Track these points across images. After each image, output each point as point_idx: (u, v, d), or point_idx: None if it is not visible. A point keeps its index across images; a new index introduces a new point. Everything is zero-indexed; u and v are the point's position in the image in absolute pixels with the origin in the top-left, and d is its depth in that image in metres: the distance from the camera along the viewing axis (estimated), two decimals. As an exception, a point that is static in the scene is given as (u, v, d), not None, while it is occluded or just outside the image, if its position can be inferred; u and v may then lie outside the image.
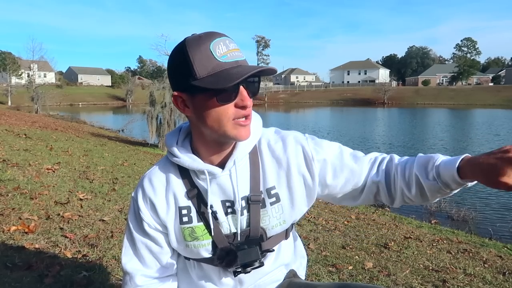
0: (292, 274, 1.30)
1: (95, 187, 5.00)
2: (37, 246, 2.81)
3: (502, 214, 7.88)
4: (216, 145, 1.06)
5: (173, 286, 1.22)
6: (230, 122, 0.98)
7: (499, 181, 0.83)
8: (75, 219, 3.51)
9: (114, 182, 5.58)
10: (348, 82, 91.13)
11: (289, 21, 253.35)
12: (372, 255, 3.51)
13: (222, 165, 1.08)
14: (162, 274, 1.18)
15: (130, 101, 63.89)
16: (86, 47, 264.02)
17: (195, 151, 1.10)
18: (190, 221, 1.11)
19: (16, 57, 54.78)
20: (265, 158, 1.13)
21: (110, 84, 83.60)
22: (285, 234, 1.21)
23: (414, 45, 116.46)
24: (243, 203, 1.10)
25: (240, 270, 1.11)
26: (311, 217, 4.85)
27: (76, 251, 2.81)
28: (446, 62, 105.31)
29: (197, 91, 0.96)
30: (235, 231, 1.12)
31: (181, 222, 1.11)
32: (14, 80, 50.62)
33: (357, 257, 3.40)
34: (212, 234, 1.10)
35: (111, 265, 2.66)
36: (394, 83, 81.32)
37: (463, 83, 77.81)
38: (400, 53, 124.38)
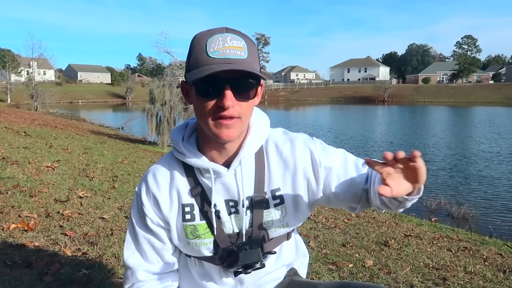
0: (292, 272, 1.29)
1: (95, 185, 4.99)
2: (36, 244, 2.81)
3: (502, 212, 7.87)
4: (218, 143, 1.04)
5: (174, 283, 1.22)
6: (211, 119, 0.97)
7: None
8: (75, 217, 3.51)
9: (114, 180, 5.58)
10: (348, 80, 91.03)
11: (289, 19, 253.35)
12: (372, 253, 3.51)
13: (227, 164, 1.07)
14: (163, 270, 1.18)
15: (129, 98, 63.79)
16: (86, 45, 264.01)
17: (200, 149, 1.08)
18: (192, 219, 1.10)
19: (15, 54, 54.66)
20: (272, 159, 1.12)
21: (110, 82, 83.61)
22: (287, 235, 1.20)
23: (414, 43, 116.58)
24: (247, 204, 1.09)
25: (241, 270, 1.11)
26: (311, 215, 4.85)
27: (76, 249, 2.81)
28: (447, 59, 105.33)
29: (190, 83, 0.97)
30: (238, 231, 1.11)
31: (184, 220, 1.11)
32: (13, 77, 50.53)
33: (357, 255, 3.40)
34: (215, 233, 1.10)
35: (111, 263, 2.66)
36: (394, 81, 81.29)
37: (464, 81, 77.81)
38: (400, 51, 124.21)
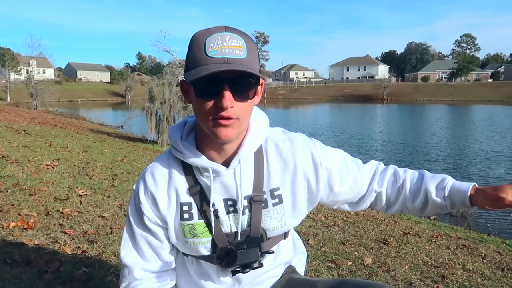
0: (290, 270, 1.29)
1: (94, 183, 4.99)
2: (36, 242, 2.81)
3: (501, 210, 7.88)
4: (218, 142, 1.03)
5: (172, 281, 1.22)
6: (210, 119, 0.96)
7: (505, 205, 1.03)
8: (75, 215, 3.51)
9: (113, 178, 5.58)
10: (347, 78, 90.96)
11: (289, 17, 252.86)
12: (371, 251, 3.52)
13: (226, 163, 1.07)
14: (161, 269, 1.18)
15: (129, 97, 63.69)
16: (85, 43, 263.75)
17: (199, 147, 1.08)
18: (191, 217, 1.10)
19: (15, 53, 54.51)
20: (271, 158, 1.11)
21: (109, 80, 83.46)
22: (284, 234, 1.21)
23: (413, 41, 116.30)
24: (245, 203, 1.09)
25: (238, 270, 1.11)
26: (311, 213, 4.85)
27: (76, 247, 2.81)
28: (446, 58, 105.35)
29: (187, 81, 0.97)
30: (236, 230, 1.11)
31: (182, 219, 1.10)
32: (13, 76, 50.37)
33: (356, 253, 3.40)
34: (213, 232, 1.09)
35: (110, 261, 2.66)
36: (393, 79, 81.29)
37: (462, 79, 77.77)
38: (400, 49, 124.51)
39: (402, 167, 1.24)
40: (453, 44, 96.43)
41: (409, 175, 1.18)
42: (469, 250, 3.88)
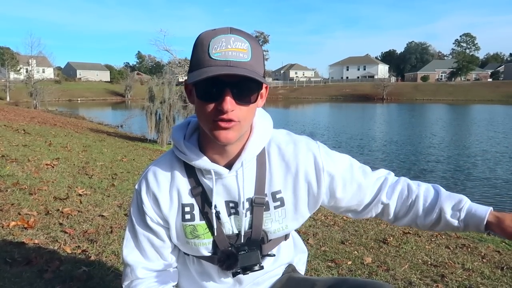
0: (291, 269, 1.30)
1: (94, 183, 5.00)
2: (36, 241, 2.81)
3: (500, 209, 7.87)
4: (219, 144, 1.02)
5: (174, 280, 1.22)
6: (211, 121, 0.95)
7: None
8: (75, 215, 3.51)
9: (113, 178, 5.58)
10: (347, 77, 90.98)
11: (288, 17, 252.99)
12: (371, 250, 3.52)
13: (228, 165, 1.06)
14: (163, 268, 1.18)
15: (129, 96, 63.67)
16: (85, 43, 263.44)
17: (202, 149, 1.07)
18: (192, 219, 1.10)
19: (14, 52, 54.62)
20: (273, 161, 1.11)
21: (109, 80, 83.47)
22: (285, 235, 1.21)
23: (413, 41, 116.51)
24: (247, 205, 1.08)
25: (239, 271, 1.11)
26: (310, 212, 4.85)
27: (76, 247, 2.81)
28: (445, 57, 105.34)
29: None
30: (237, 232, 1.11)
31: (183, 219, 1.10)
32: (12, 75, 50.44)
33: (356, 252, 3.41)
34: (215, 234, 1.09)
35: (110, 260, 2.66)
36: (393, 79, 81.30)
37: (462, 79, 77.75)
38: (399, 49, 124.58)
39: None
40: (453, 43, 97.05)
41: (422, 191, 1.15)
42: (469, 249, 3.88)
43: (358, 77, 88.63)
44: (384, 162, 12.83)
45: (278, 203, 1.11)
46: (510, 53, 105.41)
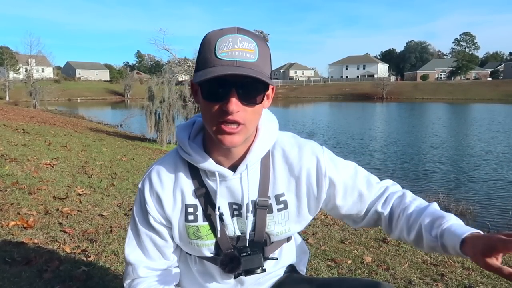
0: (292, 269, 1.30)
1: (94, 182, 4.99)
2: (36, 241, 2.81)
3: (500, 208, 7.90)
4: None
5: (175, 280, 1.22)
6: (215, 123, 0.94)
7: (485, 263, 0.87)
8: (74, 214, 3.51)
9: (112, 177, 5.58)
10: (347, 77, 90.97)
11: (288, 16, 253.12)
12: (371, 249, 3.52)
13: (233, 167, 1.06)
14: (164, 267, 1.18)
15: (128, 96, 63.64)
16: (84, 42, 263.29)
17: (207, 150, 1.06)
18: (195, 220, 1.09)
19: (13, 52, 54.47)
20: (277, 164, 1.10)
21: (108, 79, 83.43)
22: (287, 238, 1.21)
23: (412, 40, 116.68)
24: (250, 207, 1.08)
25: (241, 273, 1.11)
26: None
27: (75, 246, 2.81)
28: (445, 56, 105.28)
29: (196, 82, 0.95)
30: (240, 234, 1.11)
31: (187, 220, 1.10)
32: (12, 75, 50.36)
33: (356, 251, 3.41)
34: (218, 235, 1.09)
35: (110, 260, 2.66)
36: (392, 78, 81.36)
37: (462, 78, 77.76)
38: (399, 48, 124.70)
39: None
40: (453, 42, 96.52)
41: (414, 204, 1.09)
42: (469, 248, 3.88)
43: (358, 76, 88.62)
44: (385, 162, 12.78)
45: (282, 205, 1.10)
46: (510, 52, 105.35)
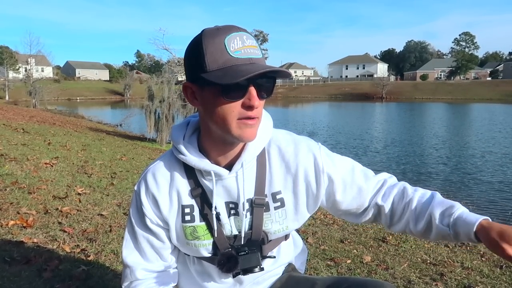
0: (291, 268, 1.30)
1: (93, 182, 4.99)
2: (35, 240, 2.81)
3: (500, 207, 7.91)
4: (223, 144, 1.02)
5: (173, 281, 1.21)
6: (235, 121, 0.94)
7: (505, 254, 0.91)
8: (74, 214, 3.51)
9: (112, 177, 5.58)
10: (346, 76, 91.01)
11: (288, 16, 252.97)
12: (370, 249, 3.52)
13: (229, 166, 1.05)
14: (162, 269, 1.18)
15: (128, 95, 63.63)
16: (84, 42, 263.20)
17: (202, 149, 1.06)
18: (192, 220, 1.09)
19: (13, 51, 54.44)
20: (274, 161, 1.10)
21: (108, 79, 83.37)
22: (285, 236, 1.20)
23: (412, 40, 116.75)
24: (247, 206, 1.08)
25: (239, 272, 1.11)
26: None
27: (75, 246, 2.81)
28: (444, 56, 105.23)
29: (206, 84, 0.93)
30: (237, 233, 1.11)
31: (183, 221, 1.09)
32: (11, 74, 50.37)
33: (355, 251, 3.41)
34: (215, 235, 1.09)
35: (109, 259, 2.66)
36: (392, 78, 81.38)
37: (461, 78, 77.78)
38: (399, 48, 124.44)
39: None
40: (452, 42, 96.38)
41: (417, 195, 1.10)
42: (468, 248, 3.89)
43: (358, 76, 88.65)
44: (385, 163, 12.77)
45: (279, 203, 1.10)
46: (509, 52, 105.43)
